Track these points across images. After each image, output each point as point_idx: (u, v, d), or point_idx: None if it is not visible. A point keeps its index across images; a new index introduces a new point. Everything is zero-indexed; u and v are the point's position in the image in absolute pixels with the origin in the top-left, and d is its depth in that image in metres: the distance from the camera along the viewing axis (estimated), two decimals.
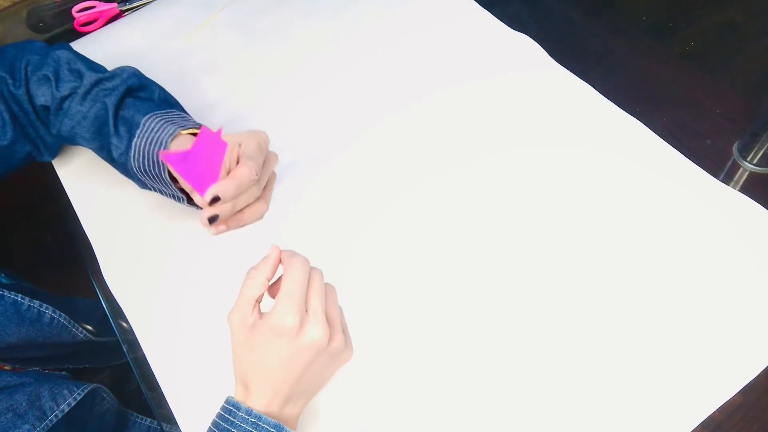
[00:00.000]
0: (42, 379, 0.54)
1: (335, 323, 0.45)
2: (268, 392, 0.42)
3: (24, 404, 0.49)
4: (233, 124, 0.69)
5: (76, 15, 0.84)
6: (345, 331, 0.47)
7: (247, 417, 0.40)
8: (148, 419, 0.69)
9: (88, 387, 0.53)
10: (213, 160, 0.52)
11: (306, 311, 0.43)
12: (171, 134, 0.53)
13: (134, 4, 0.86)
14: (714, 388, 0.47)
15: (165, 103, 0.60)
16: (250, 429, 0.40)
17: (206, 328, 0.55)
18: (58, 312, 0.62)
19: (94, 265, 0.61)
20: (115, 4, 0.85)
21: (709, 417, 0.46)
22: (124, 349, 0.57)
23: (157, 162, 0.53)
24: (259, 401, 0.42)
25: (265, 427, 0.40)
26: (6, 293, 0.57)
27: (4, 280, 0.62)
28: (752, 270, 0.52)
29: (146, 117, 0.54)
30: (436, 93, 0.69)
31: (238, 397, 0.43)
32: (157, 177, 0.55)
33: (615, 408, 0.47)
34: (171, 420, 0.51)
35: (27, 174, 0.77)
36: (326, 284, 0.46)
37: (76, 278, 0.66)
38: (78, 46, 0.80)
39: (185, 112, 0.61)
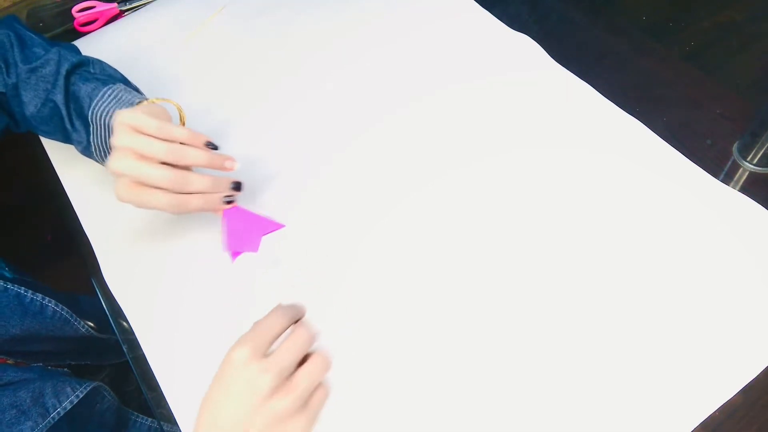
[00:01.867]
0: (45, 375, 0.54)
1: (297, 387, 0.38)
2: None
3: (27, 401, 0.49)
4: (233, 124, 0.69)
5: (76, 15, 0.84)
6: (310, 408, 0.40)
7: None
8: (149, 419, 0.69)
9: (91, 385, 0.53)
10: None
11: (265, 354, 0.38)
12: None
13: (134, 4, 0.86)
14: (714, 388, 0.47)
15: (104, 74, 0.60)
16: None
17: (206, 328, 0.55)
18: (60, 305, 0.62)
19: (94, 265, 0.61)
20: (115, 4, 0.85)
21: (709, 417, 0.46)
22: (125, 349, 0.57)
23: None
24: None
25: None
26: (9, 286, 0.57)
27: (7, 274, 0.62)
28: (752, 270, 0.52)
29: (91, 110, 0.54)
30: (436, 93, 0.69)
31: None
32: None
33: (615, 408, 0.47)
34: (171, 420, 0.51)
35: (27, 174, 0.77)
36: (318, 356, 0.40)
37: (76, 278, 0.66)
38: (78, 46, 0.80)
39: (124, 80, 0.61)
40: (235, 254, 0.58)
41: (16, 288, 0.58)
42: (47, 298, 0.60)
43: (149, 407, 0.53)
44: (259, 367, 0.37)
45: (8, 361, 0.58)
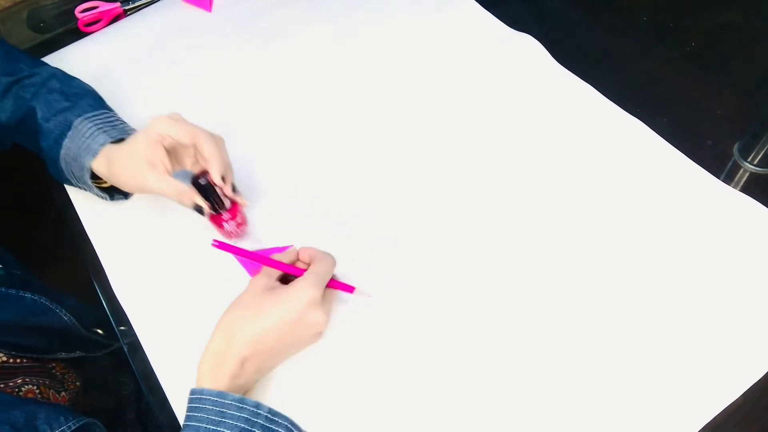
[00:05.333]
0: (39, 403, 0.54)
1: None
2: (260, 362, 0.47)
3: (21, 421, 0.48)
4: (234, 124, 0.70)
5: (79, 15, 0.84)
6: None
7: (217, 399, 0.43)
8: None
9: (83, 420, 0.52)
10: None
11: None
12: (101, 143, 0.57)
13: (137, 4, 0.86)
14: (717, 390, 0.47)
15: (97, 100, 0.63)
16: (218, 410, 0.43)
17: (209, 330, 0.55)
18: (37, 295, 0.62)
19: (96, 266, 0.61)
20: (117, 4, 0.85)
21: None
22: (125, 349, 0.57)
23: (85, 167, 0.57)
24: (248, 372, 0.46)
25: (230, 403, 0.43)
26: None
27: None
28: (755, 271, 0.53)
29: (81, 118, 0.58)
30: (437, 93, 0.69)
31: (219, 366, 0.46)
32: (81, 180, 0.59)
33: (618, 411, 0.47)
34: (173, 422, 0.51)
35: (27, 174, 0.77)
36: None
37: (77, 279, 0.66)
38: (81, 46, 0.80)
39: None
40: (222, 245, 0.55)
41: None
42: (21, 290, 0.61)
43: (150, 409, 0.53)
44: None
45: (1, 357, 0.58)
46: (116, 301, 0.58)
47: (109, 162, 0.57)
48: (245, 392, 0.48)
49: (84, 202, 0.65)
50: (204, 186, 0.54)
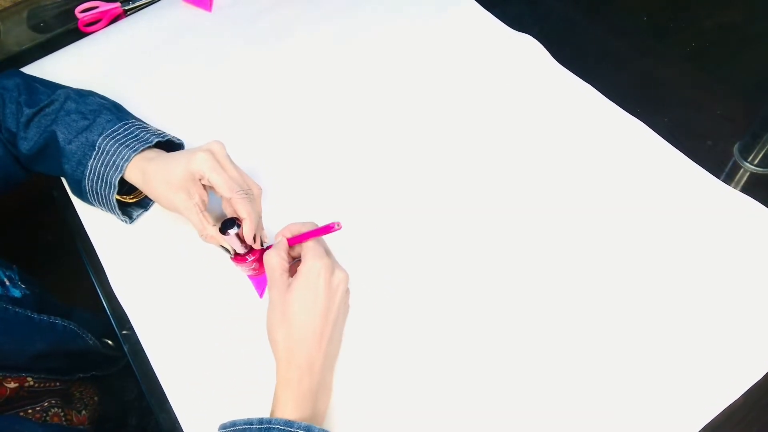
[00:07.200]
0: (63, 430, 0.55)
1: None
2: (311, 350, 0.46)
3: None
4: (234, 125, 0.70)
5: (79, 15, 0.84)
6: None
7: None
8: None
9: None
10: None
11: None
12: (126, 159, 0.57)
13: (137, 4, 0.86)
14: (717, 390, 0.47)
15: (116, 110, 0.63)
16: None
17: (210, 331, 0.55)
18: (66, 321, 0.63)
19: (97, 268, 0.61)
20: (117, 4, 0.85)
21: None
22: (125, 349, 0.57)
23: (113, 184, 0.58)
24: (300, 368, 0.45)
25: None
26: (18, 310, 0.59)
27: (16, 293, 0.63)
28: (755, 271, 0.53)
29: (102, 137, 0.58)
30: (438, 94, 0.69)
31: (281, 378, 0.46)
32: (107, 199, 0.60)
33: (618, 411, 0.47)
34: (174, 426, 0.51)
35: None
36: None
37: (78, 281, 0.66)
38: (81, 46, 0.80)
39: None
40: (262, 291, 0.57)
41: (22, 311, 0.59)
42: (52, 317, 0.62)
43: (152, 412, 0.53)
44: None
45: (28, 380, 0.59)
46: (116, 301, 0.58)
47: (144, 176, 0.57)
48: (324, 406, 0.48)
49: (85, 204, 0.65)
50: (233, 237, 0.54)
